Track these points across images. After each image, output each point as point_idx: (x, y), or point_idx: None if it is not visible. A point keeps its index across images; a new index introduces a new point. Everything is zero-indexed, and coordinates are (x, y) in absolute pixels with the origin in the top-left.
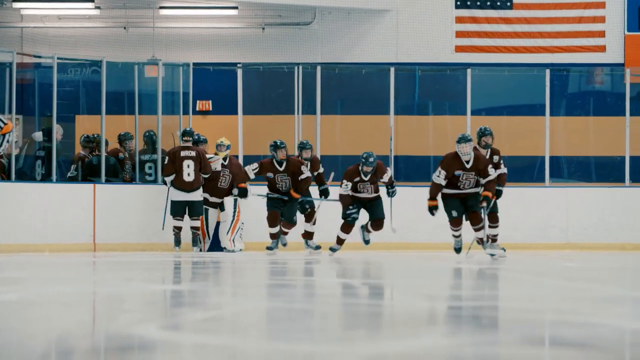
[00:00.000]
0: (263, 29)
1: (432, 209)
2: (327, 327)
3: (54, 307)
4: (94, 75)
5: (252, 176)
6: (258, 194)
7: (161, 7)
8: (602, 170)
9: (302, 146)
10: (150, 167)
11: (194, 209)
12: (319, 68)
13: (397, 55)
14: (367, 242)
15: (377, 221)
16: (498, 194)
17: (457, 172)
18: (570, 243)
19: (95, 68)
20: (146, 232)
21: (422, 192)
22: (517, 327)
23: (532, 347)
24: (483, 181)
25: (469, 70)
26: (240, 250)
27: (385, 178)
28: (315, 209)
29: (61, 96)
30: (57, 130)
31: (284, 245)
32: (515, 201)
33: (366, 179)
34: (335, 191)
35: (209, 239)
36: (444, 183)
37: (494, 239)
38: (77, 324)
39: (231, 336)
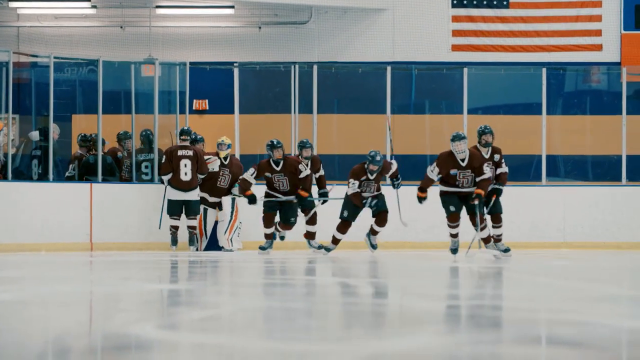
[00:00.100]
0: (259, 28)
1: (421, 200)
2: (324, 326)
3: (51, 306)
4: (91, 75)
5: (253, 182)
6: (268, 199)
7: (157, 7)
8: (599, 169)
9: (302, 145)
10: (147, 167)
11: (191, 209)
12: (315, 67)
13: (393, 54)
14: (374, 246)
15: (381, 214)
16: (498, 192)
17: (453, 172)
18: (566, 242)
19: (91, 67)
20: (143, 232)
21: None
22: (514, 326)
23: (529, 346)
24: (478, 179)
25: (465, 69)
26: (238, 249)
27: (392, 172)
28: (316, 207)
29: (58, 95)
30: (54, 130)
31: (282, 239)
32: (511, 200)
33: (372, 178)
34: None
35: (206, 238)
36: (435, 179)
37: (497, 238)
38: (74, 323)
39: (228, 335)
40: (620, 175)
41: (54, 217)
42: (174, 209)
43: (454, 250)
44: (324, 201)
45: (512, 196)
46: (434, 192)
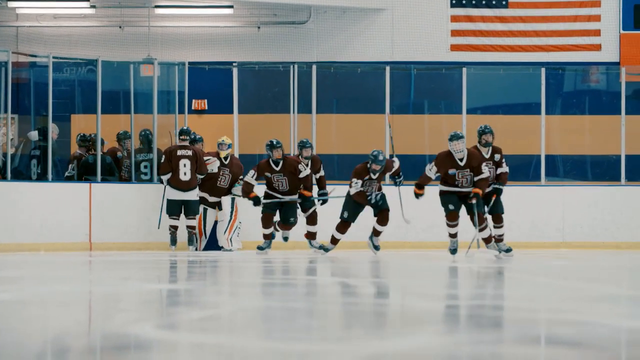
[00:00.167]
0: (258, 28)
1: (417, 196)
2: (324, 326)
3: (50, 306)
4: (90, 75)
5: (254, 183)
6: (269, 200)
7: (156, 6)
8: (598, 169)
9: (302, 145)
10: (146, 167)
11: (190, 208)
12: (314, 67)
13: (392, 54)
14: (377, 247)
15: (382, 213)
16: (498, 192)
17: (451, 171)
18: (565, 242)
19: (90, 67)
20: (142, 231)
21: None
22: (514, 326)
23: (529, 346)
24: (476, 179)
25: (464, 69)
26: (237, 249)
27: (394, 169)
28: (315, 207)
29: (57, 95)
30: (53, 130)
31: (285, 239)
32: (511, 200)
33: (374, 177)
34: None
35: (206, 237)
36: (433, 177)
37: (499, 238)
38: (74, 323)
39: (228, 335)
40: (619, 175)
41: (53, 217)
42: (173, 208)
43: (453, 251)
44: (324, 202)
45: (511, 196)
46: (433, 191)
